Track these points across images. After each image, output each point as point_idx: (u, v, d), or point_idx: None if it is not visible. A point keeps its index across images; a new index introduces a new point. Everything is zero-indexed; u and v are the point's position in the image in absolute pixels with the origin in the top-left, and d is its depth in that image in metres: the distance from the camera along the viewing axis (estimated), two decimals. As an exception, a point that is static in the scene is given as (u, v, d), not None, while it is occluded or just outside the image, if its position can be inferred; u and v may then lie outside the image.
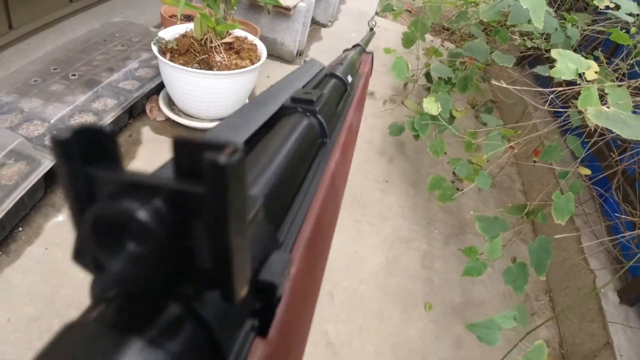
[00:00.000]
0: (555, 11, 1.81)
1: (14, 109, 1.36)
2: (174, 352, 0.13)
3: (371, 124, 2.09)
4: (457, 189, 1.52)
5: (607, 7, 1.17)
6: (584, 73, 0.80)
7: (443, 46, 2.51)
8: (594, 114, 0.68)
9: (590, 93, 0.74)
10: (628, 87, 0.88)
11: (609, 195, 1.49)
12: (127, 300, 0.14)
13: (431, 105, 1.24)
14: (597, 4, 1.03)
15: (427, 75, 2.10)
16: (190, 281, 0.15)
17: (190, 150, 0.13)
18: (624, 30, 1.14)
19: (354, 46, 0.70)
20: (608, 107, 0.73)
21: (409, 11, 3.18)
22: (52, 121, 1.33)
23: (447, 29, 3.38)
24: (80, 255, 0.15)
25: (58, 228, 1.26)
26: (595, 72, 0.85)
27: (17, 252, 1.19)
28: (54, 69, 1.51)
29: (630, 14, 1.19)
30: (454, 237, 1.63)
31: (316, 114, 0.33)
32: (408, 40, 1.85)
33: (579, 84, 0.78)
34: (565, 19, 1.46)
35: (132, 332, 0.12)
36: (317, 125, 0.33)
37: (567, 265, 1.53)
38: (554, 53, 0.80)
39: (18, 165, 1.21)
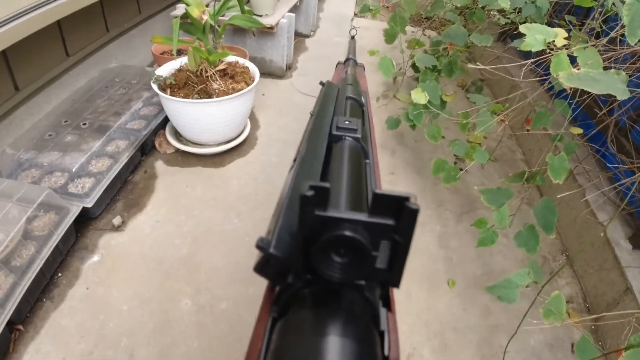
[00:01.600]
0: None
1: (34, 165, 1.45)
2: (359, 320, 0.23)
3: (368, 121, 2.16)
4: (460, 169, 1.59)
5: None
6: (553, 41, 0.88)
7: (425, 35, 2.58)
8: (565, 77, 0.75)
9: (560, 59, 0.81)
10: (596, 47, 0.95)
11: (604, 150, 1.55)
12: (324, 295, 0.24)
13: (419, 96, 1.31)
14: None
15: (414, 66, 2.17)
16: (365, 277, 0.24)
17: (387, 199, 0.23)
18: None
19: (347, 60, 0.78)
20: (578, 69, 0.80)
21: (387, 7, 3.27)
22: (73, 170, 1.42)
23: (426, 18, 3.46)
24: (264, 269, 0.25)
25: (95, 268, 1.35)
26: (565, 38, 0.93)
27: (60, 296, 1.27)
28: (65, 121, 1.60)
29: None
30: (465, 215, 1.69)
31: (359, 140, 0.39)
32: (389, 36, 1.93)
33: (550, 52, 0.86)
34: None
35: (336, 311, 0.22)
36: (361, 149, 0.39)
37: (578, 223, 1.59)
38: (522, 28, 0.87)
39: (48, 216, 1.29)
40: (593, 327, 1.37)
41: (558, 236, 1.69)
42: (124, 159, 1.56)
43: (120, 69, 1.97)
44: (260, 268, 0.26)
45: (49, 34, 1.55)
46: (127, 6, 2.07)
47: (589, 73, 0.77)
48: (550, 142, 1.52)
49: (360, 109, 0.53)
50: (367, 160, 0.39)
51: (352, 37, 0.96)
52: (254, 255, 0.25)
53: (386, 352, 0.24)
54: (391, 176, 1.84)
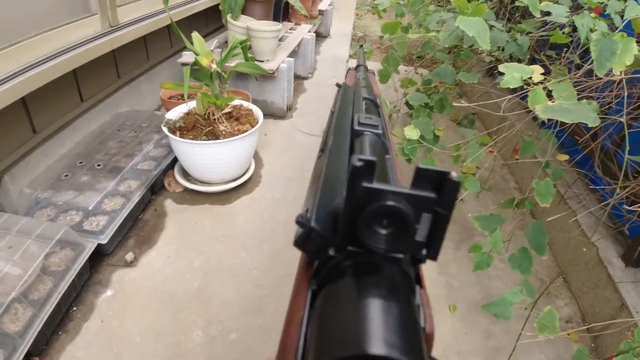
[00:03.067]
0: (507, 23, 2.03)
1: (51, 203, 1.53)
2: (401, 290, 0.24)
3: (367, 157, 2.26)
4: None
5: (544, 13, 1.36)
6: (530, 78, 0.98)
7: (417, 73, 2.72)
8: (541, 110, 0.84)
9: (536, 93, 0.90)
10: (571, 80, 1.05)
11: (592, 174, 1.64)
12: (366, 266, 0.25)
13: (411, 132, 1.41)
14: (533, 13, 1.21)
15: (408, 104, 2.29)
16: (407, 249, 0.25)
17: (428, 173, 0.24)
18: (562, 31, 1.33)
19: (358, 66, 0.81)
20: (554, 101, 0.89)
21: (380, 48, 3.44)
22: (89, 208, 1.50)
23: (418, 57, 3.63)
24: (304, 243, 0.27)
25: (109, 302, 1.40)
26: (542, 74, 1.03)
27: (75, 329, 1.32)
28: (80, 163, 1.69)
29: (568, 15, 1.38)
30: (463, 242, 1.76)
31: (380, 136, 0.41)
32: (383, 76, 2.04)
33: (527, 88, 0.95)
34: (514, 29, 1.67)
35: (379, 281, 0.24)
36: (382, 144, 0.41)
37: (572, 245, 1.66)
38: (501, 68, 0.97)
39: (65, 252, 1.36)
40: (593, 344, 1.41)
41: (554, 259, 1.76)
42: (135, 198, 1.63)
43: (131, 113, 2.09)
44: (301, 243, 0.27)
45: (65, 81, 1.67)
46: (137, 54, 2.20)
47: (562, 104, 0.86)
48: (543, 172, 1.62)
49: (376, 110, 0.54)
50: (388, 156, 0.40)
51: (361, 46, 0.98)
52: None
53: (422, 325, 0.26)
54: (390, 208, 1.92)
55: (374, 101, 0.55)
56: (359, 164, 0.23)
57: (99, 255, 1.51)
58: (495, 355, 1.34)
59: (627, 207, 1.16)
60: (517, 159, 1.55)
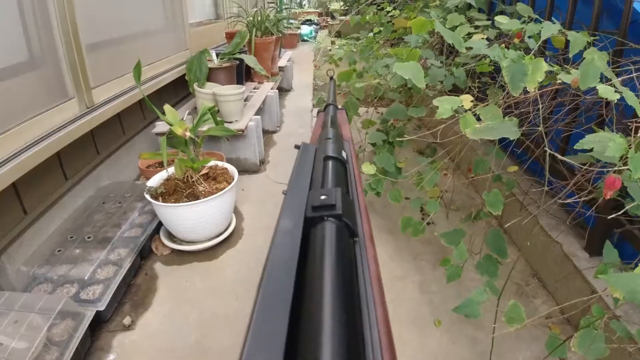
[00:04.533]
0: (447, 58, 2.25)
1: (47, 278, 1.60)
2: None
3: (340, 197, 2.41)
4: (428, 223, 1.80)
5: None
6: (462, 106, 1.15)
7: (377, 112, 2.92)
8: (470, 132, 1.00)
9: (466, 119, 1.07)
10: (495, 103, 1.23)
11: (542, 179, 1.82)
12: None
13: (368, 168, 1.56)
14: (459, 50, 1.39)
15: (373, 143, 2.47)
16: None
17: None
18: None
19: (327, 106, 0.75)
20: (481, 123, 1.06)
21: (340, 93, 3.67)
22: (85, 278, 1.58)
23: (376, 97, 3.87)
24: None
25: (113, 366, 1.46)
26: (477, 98, 1.20)
27: (84, 397, 1.37)
28: (71, 237, 1.78)
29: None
30: (439, 261, 1.89)
31: (341, 218, 0.32)
32: (345, 121, 2.23)
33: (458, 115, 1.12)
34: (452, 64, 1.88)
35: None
36: (345, 228, 0.33)
37: (539, 246, 1.81)
38: (435, 102, 1.14)
39: (66, 322, 1.43)
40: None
41: (526, 262, 1.90)
42: (126, 265, 1.72)
43: (113, 186, 2.20)
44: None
45: (50, 163, 1.78)
46: (113, 130, 2.34)
47: (488, 125, 1.02)
48: (500, 183, 1.78)
49: (343, 167, 0.47)
50: (356, 239, 0.33)
51: (331, 78, 0.92)
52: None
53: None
54: (368, 240, 2.05)
55: (340, 158, 0.47)
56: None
57: (98, 323, 1.58)
58: (484, 358, 1.44)
59: (572, 200, 1.31)
60: (472, 177, 1.71)
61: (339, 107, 0.82)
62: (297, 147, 0.54)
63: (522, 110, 1.52)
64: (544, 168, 1.78)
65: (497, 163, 1.94)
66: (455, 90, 1.84)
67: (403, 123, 1.99)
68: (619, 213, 1.04)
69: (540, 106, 1.27)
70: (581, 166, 1.24)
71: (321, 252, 0.28)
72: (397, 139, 1.85)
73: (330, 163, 0.46)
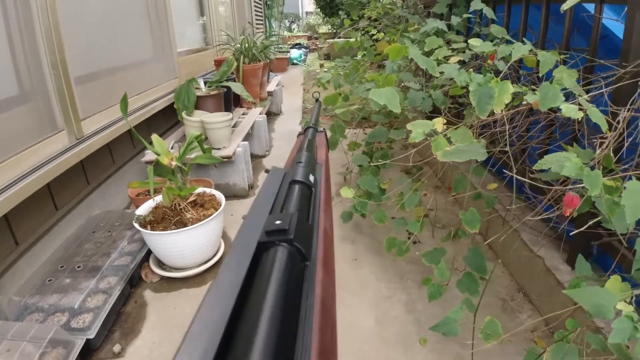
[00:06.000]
0: (427, 80, 2.32)
1: (38, 308, 1.62)
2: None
3: (328, 218, 2.45)
4: (414, 242, 1.84)
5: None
6: (434, 129, 1.20)
7: (365, 133, 2.98)
8: (440, 155, 1.05)
9: (437, 141, 1.12)
10: (471, 126, 1.28)
11: (518, 195, 1.86)
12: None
13: (346, 192, 1.61)
14: (432, 74, 1.44)
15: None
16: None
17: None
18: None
19: (307, 128, 0.75)
20: (452, 146, 1.11)
21: (328, 116, 3.74)
22: (75, 306, 1.60)
23: (363, 118, 3.95)
24: None
25: (103, 394, 1.47)
26: (444, 123, 1.26)
27: None
28: (61, 267, 1.81)
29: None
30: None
31: (292, 242, 0.32)
32: (332, 143, 2.28)
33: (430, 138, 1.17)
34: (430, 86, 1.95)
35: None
36: (296, 252, 0.33)
37: (523, 262, 1.84)
38: (408, 126, 1.19)
39: (57, 350, 1.44)
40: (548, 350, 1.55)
41: (512, 277, 1.93)
42: (116, 293, 1.74)
43: (103, 215, 2.23)
44: None
45: (41, 194, 1.82)
46: (103, 160, 2.38)
47: (458, 147, 1.07)
48: (482, 201, 1.82)
49: (309, 192, 0.47)
50: (307, 262, 0.34)
51: (317, 100, 0.92)
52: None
53: None
54: (354, 262, 2.08)
55: (306, 182, 0.47)
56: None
57: (88, 351, 1.59)
58: (468, 376, 1.47)
59: (547, 214, 1.36)
60: (453, 195, 1.76)
61: (320, 129, 0.82)
62: (266, 171, 0.53)
63: (498, 129, 1.58)
64: (522, 184, 1.84)
65: (479, 180, 1.99)
66: (437, 111, 1.90)
67: (387, 145, 2.04)
68: (585, 227, 1.08)
69: (516, 125, 1.33)
70: (552, 183, 1.29)
71: (267, 276, 0.28)
72: (380, 161, 1.90)
73: (295, 187, 0.46)
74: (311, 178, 0.49)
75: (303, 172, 0.49)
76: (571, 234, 1.09)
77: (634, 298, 1.01)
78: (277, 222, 0.34)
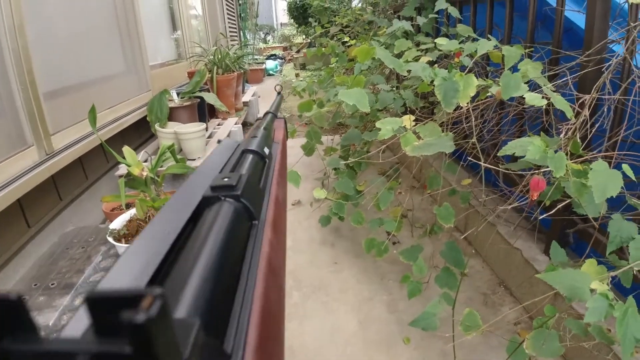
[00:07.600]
0: (398, 81, 2.35)
1: (11, 333, 1.57)
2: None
3: (307, 225, 2.44)
4: (394, 242, 1.84)
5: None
6: (404, 126, 1.21)
7: (341, 137, 2.99)
8: (410, 149, 1.06)
9: (406, 137, 1.13)
10: (441, 122, 1.30)
11: (492, 188, 1.89)
12: None
13: (318, 193, 1.61)
14: (399, 72, 1.45)
15: (334, 168, 2.52)
16: None
17: (107, 307, 0.13)
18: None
19: (265, 114, 0.73)
20: (420, 140, 1.12)
21: (305, 124, 3.74)
22: (49, 324, 1.55)
23: (339, 124, 3.97)
24: None
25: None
26: (413, 120, 1.27)
27: None
28: (35, 285, 1.76)
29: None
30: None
31: (239, 198, 0.31)
32: (308, 149, 2.28)
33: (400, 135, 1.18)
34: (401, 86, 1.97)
35: None
36: (243, 209, 0.31)
37: (502, 255, 1.86)
38: (377, 124, 1.20)
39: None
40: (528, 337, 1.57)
41: (492, 271, 1.94)
42: (92, 308, 1.70)
43: (77, 231, 2.18)
44: None
45: (12, 211, 1.77)
46: (75, 175, 2.34)
47: (427, 141, 1.08)
48: (458, 197, 1.84)
49: (262, 162, 0.45)
50: (255, 222, 0.32)
51: (279, 93, 0.93)
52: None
53: None
54: (335, 266, 2.07)
55: (260, 152, 0.45)
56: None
57: (64, 371, 1.55)
58: (452, 371, 1.47)
59: (519, 204, 1.37)
60: (429, 193, 1.77)
61: (280, 116, 0.80)
62: (219, 142, 0.48)
63: (468, 124, 1.60)
64: (497, 178, 1.86)
65: (453, 177, 2.01)
66: (410, 112, 1.92)
67: (361, 147, 2.05)
68: (554, 210, 1.10)
69: (487, 119, 1.35)
70: (523, 172, 1.30)
71: (208, 227, 0.27)
72: (352, 159, 1.91)
73: (248, 156, 0.43)
74: (266, 150, 0.47)
75: (257, 142, 0.46)
76: (541, 217, 1.10)
77: (610, 280, 1.02)
78: (225, 179, 0.32)
